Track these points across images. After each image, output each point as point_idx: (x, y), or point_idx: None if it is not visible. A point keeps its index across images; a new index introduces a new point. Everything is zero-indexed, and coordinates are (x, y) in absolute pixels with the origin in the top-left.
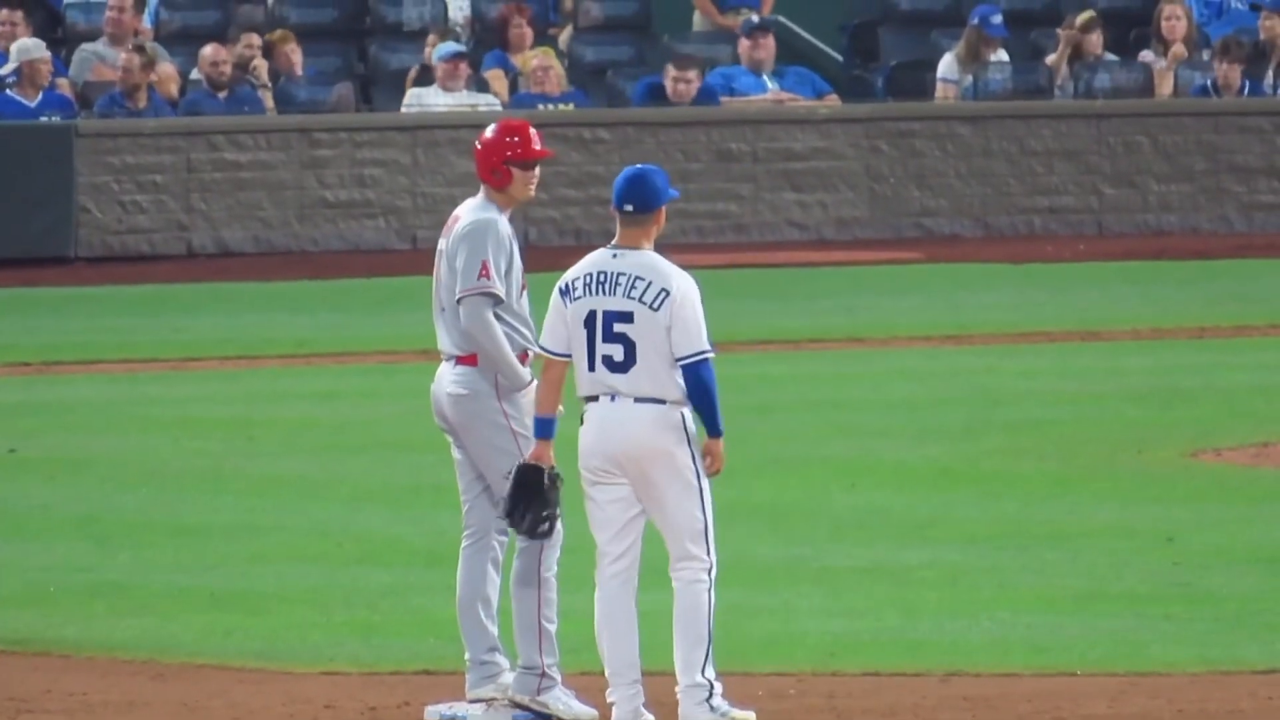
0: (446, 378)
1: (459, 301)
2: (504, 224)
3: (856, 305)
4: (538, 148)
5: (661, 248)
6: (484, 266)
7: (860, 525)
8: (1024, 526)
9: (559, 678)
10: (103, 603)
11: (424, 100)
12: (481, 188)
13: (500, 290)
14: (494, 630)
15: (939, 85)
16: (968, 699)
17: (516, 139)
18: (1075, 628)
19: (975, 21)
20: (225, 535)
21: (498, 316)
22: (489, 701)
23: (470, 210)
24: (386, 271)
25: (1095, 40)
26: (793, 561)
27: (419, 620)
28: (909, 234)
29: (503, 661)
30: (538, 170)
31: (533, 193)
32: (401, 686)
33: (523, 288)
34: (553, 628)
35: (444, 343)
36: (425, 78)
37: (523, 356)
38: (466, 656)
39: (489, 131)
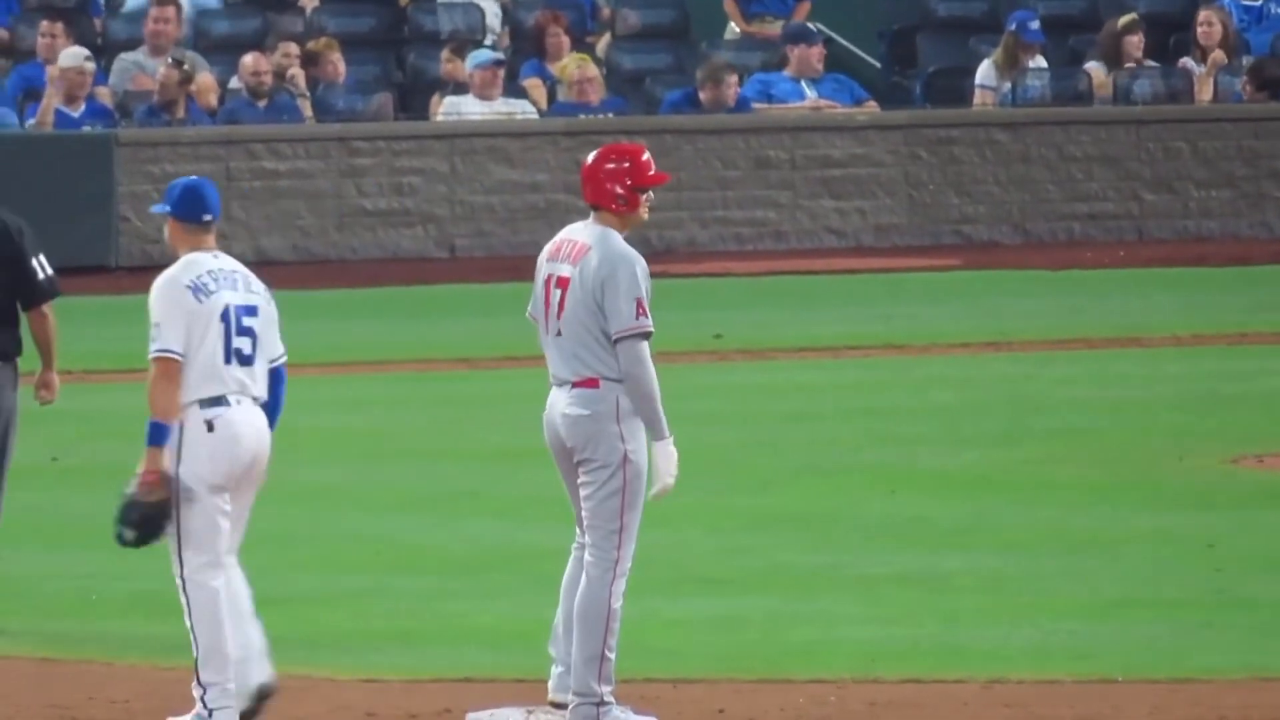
0: (562, 401)
1: (615, 342)
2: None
3: (895, 312)
4: (654, 172)
5: (701, 255)
6: (639, 304)
7: (899, 532)
8: (1064, 533)
9: (614, 699)
10: (144, 610)
11: (461, 109)
12: (593, 214)
13: (652, 326)
14: None
15: (977, 92)
16: (1009, 706)
17: (634, 163)
18: (1116, 634)
19: (1013, 27)
20: (263, 543)
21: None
22: (529, 710)
23: (600, 243)
24: (424, 280)
25: (1136, 45)
26: (831, 569)
27: (458, 627)
28: (948, 241)
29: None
30: (651, 193)
31: (646, 216)
32: (442, 693)
33: None
34: (614, 656)
35: (557, 368)
36: (449, 90)
37: None
38: (561, 659)
39: (602, 156)
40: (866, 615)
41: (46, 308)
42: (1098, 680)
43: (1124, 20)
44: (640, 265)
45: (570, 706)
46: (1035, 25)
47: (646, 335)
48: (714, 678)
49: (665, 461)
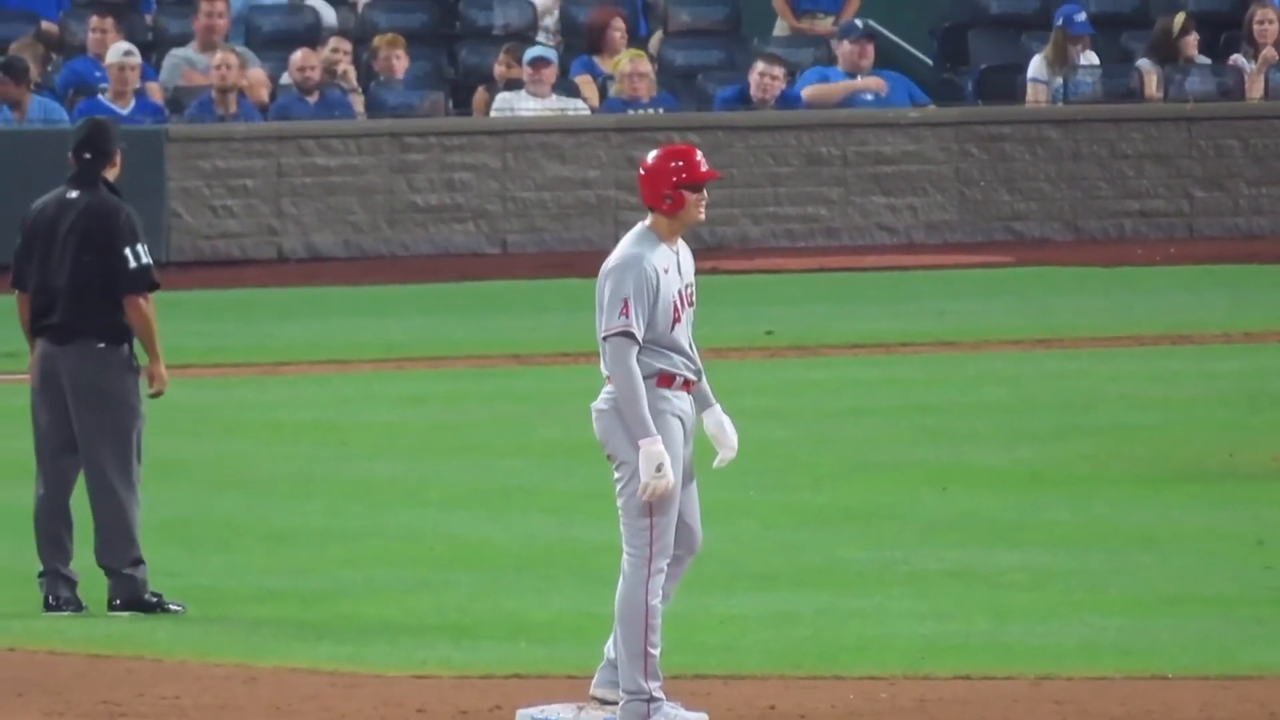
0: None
1: (603, 340)
2: (653, 258)
3: (946, 309)
4: (705, 169)
5: (753, 251)
6: (625, 305)
7: (951, 528)
8: (1114, 530)
9: (664, 695)
10: (194, 607)
11: (513, 105)
12: (650, 215)
13: (638, 330)
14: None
15: (1029, 86)
16: (1059, 702)
17: (683, 163)
18: (1166, 631)
19: (1059, 22)
20: (316, 539)
21: (652, 348)
22: (580, 706)
23: (622, 244)
24: (476, 275)
25: (1191, 44)
26: (883, 565)
27: (510, 623)
28: (999, 237)
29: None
30: (705, 192)
31: (702, 215)
32: (493, 690)
33: (675, 321)
34: (657, 652)
35: (601, 364)
36: (500, 87)
37: (666, 380)
38: (609, 655)
39: (653, 157)
40: (919, 611)
41: (140, 299)
42: (1148, 677)
43: (1179, 21)
44: (635, 268)
45: (620, 704)
46: (1081, 17)
47: (626, 336)
48: (766, 674)
49: (643, 463)
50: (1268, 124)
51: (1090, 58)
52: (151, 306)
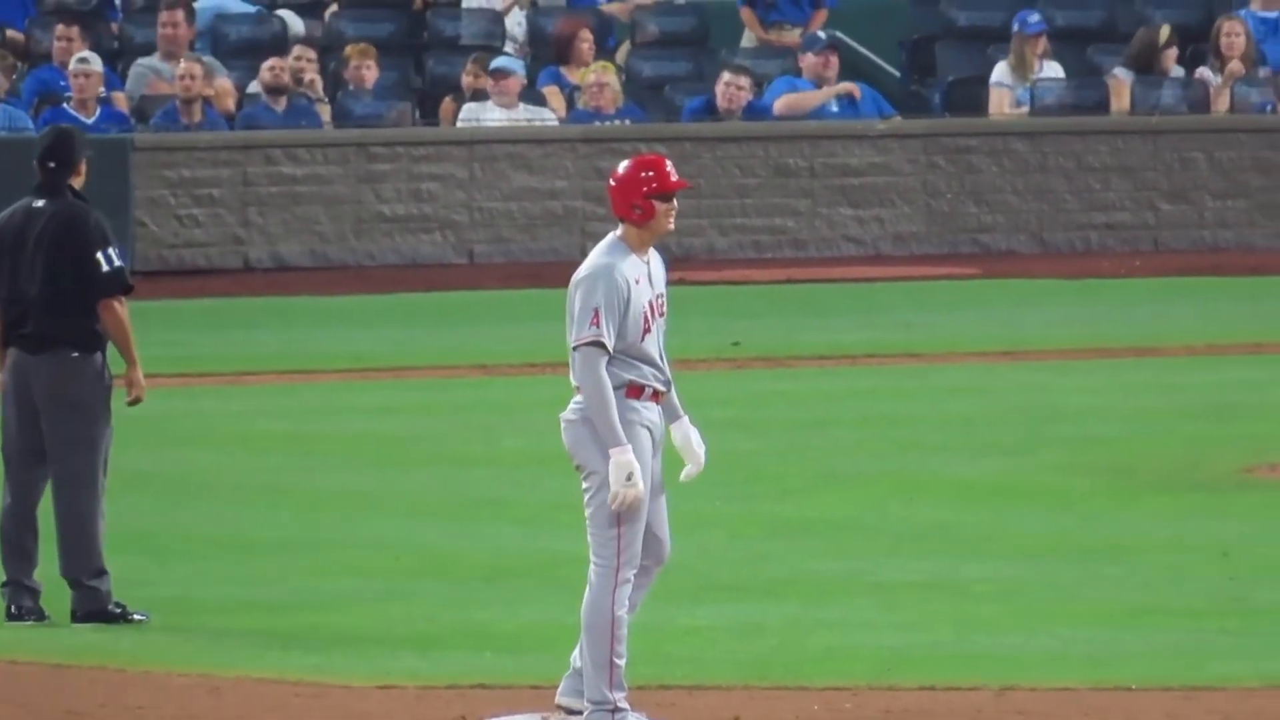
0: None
1: (574, 350)
2: (624, 268)
3: (913, 321)
4: (675, 179)
5: (720, 262)
6: (595, 315)
7: (917, 540)
8: (1080, 541)
9: (628, 706)
10: (159, 616)
11: (480, 115)
12: (620, 226)
13: (608, 340)
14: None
15: (993, 92)
16: (1023, 713)
17: (653, 173)
18: (1132, 642)
19: (1016, 28)
20: (282, 549)
21: (622, 359)
22: (545, 716)
23: (592, 254)
24: (443, 286)
25: (1170, 56)
26: (850, 576)
27: (476, 634)
28: (965, 250)
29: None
30: (674, 202)
31: (671, 225)
32: (458, 700)
33: (645, 331)
34: (622, 663)
35: (571, 374)
36: (467, 97)
37: (635, 391)
38: (575, 665)
39: (623, 167)
40: (884, 622)
41: (115, 303)
42: (1113, 688)
43: (1164, 34)
44: (606, 278)
45: (585, 714)
46: (1034, 18)
47: (597, 345)
48: (731, 684)
49: (614, 472)
50: (1233, 137)
51: (1055, 68)
52: (126, 310)
